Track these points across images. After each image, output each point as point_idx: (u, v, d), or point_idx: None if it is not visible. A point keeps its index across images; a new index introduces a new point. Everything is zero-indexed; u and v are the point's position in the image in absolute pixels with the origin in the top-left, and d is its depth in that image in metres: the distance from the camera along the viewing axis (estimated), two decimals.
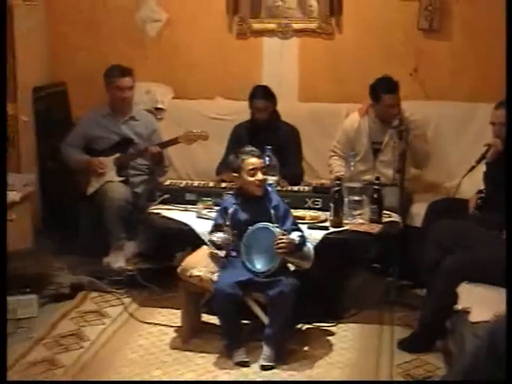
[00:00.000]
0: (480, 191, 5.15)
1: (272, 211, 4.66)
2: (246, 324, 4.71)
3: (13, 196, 5.84)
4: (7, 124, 5.74)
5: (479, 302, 4.04)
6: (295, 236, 4.58)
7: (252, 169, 4.66)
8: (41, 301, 5.28)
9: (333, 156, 6.19)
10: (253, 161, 4.68)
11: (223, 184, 5.49)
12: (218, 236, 4.66)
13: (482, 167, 5.31)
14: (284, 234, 4.51)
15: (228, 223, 4.69)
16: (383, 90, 5.87)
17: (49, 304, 5.34)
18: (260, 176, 4.65)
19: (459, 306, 4.20)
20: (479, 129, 6.07)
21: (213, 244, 4.71)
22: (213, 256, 4.77)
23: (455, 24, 6.65)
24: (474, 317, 3.93)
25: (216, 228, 4.72)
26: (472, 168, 5.27)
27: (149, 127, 6.39)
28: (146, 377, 4.34)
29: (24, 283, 5.15)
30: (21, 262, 5.34)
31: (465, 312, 4.06)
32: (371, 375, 4.42)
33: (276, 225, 4.58)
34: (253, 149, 4.75)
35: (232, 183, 5.04)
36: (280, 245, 4.47)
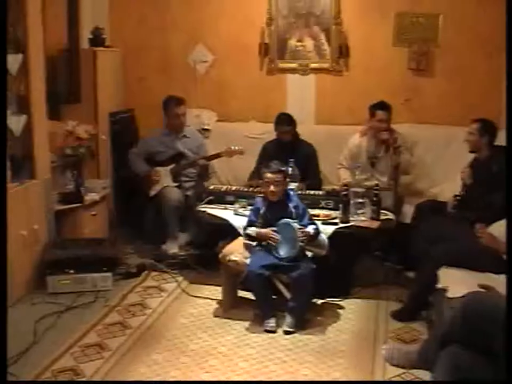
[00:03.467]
0: (456, 195, 5.13)
1: (293, 210, 4.67)
2: (274, 298, 4.71)
3: (94, 196, 5.91)
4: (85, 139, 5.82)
5: (455, 282, 4.04)
6: (310, 228, 4.61)
7: (266, 181, 4.68)
8: (115, 277, 5.34)
9: (340, 168, 6.18)
10: (268, 175, 4.68)
11: (254, 189, 5.49)
12: (252, 230, 4.69)
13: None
14: (301, 228, 4.53)
15: (260, 220, 4.71)
16: (378, 107, 5.89)
17: (121, 280, 5.39)
18: (271, 187, 4.65)
19: (439, 285, 4.20)
20: (459, 148, 6.02)
21: (247, 235, 4.74)
22: (246, 245, 4.78)
23: (437, 65, 6.64)
24: (451, 293, 3.93)
25: (250, 224, 4.75)
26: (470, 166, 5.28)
27: (198, 144, 6.43)
28: (194, 339, 4.37)
29: (102, 264, 5.22)
30: (99, 248, 5.39)
31: (444, 290, 4.06)
32: (371, 338, 4.42)
33: (295, 221, 4.59)
34: (274, 165, 4.72)
35: (260, 188, 5.06)
36: (299, 236, 4.48)
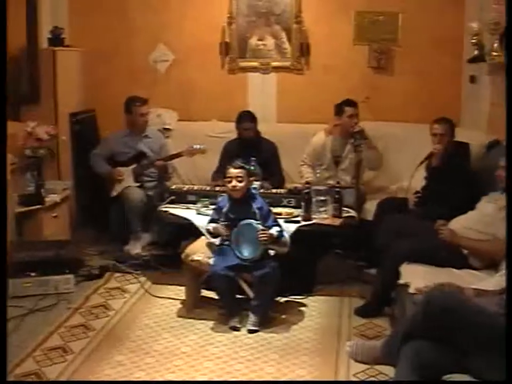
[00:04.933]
0: (416, 192, 5.19)
1: (256, 211, 4.66)
2: (238, 297, 4.71)
3: (54, 198, 5.86)
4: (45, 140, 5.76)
5: (416, 278, 4.06)
6: (274, 230, 4.61)
7: (229, 177, 4.68)
8: (77, 279, 5.29)
9: (303, 165, 6.19)
10: (231, 171, 4.68)
11: (217, 188, 5.49)
12: (213, 226, 4.69)
13: (421, 174, 5.35)
14: (264, 230, 4.54)
15: (222, 219, 4.71)
16: (346, 104, 5.91)
17: (83, 282, 5.34)
18: (233, 183, 4.65)
19: (401, 281, 4.23)
20: (419, 144, 6.07)
21: (209, 232, 4.73)
22: (209, 245, 4.78)
23: (397, 63, 6.72)
24: (412, 289, 3.95)
25: (212, 221, 4.74)
26: (421, 163, 5.31)
27: (159, 143, 6.41)
28: (158, 340, 4.35)
29: (64, 266, 5.17)
30: (61, 250, 5.34)
31: (406, 285, 4.08)
32: (334, 335, 4.44)
33: (258, 222, 4.59)
34: (237, 162, 4.74)
35: (224, 187, 5.06)
36: (262, 237, 4.50)
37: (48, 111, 6.30)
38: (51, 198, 5.82)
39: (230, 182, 4.67)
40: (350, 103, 5.93)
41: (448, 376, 3.03)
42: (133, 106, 6.22)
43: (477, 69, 6.31)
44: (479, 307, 3.16)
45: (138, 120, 6.24)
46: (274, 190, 5.56)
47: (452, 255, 4.32)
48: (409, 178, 5.35)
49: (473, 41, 5.87)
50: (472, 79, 6.45)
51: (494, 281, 3.73)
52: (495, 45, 5.45)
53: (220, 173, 5.48)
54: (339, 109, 5.97)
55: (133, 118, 6.25)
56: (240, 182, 4.66)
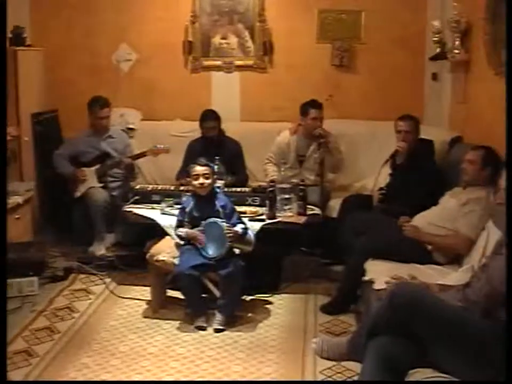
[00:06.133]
0: (381, 188, 5.22)
1: (220, 209, 4.67)
2: (203, 297, 4.70)
3: (17, 199, 5.78)
4: (7, 141, 5.69)
5: (381, 274, 4.09)
6: (238, 228, 4.61)
7: (195, 175, 4.67)
8: (41, 281, 5.23)
9: (268, 163, 6.20)
10: (196, 168, 4.68)
11: (182, 187, 5.48)
12: (181, 230, 4.67)
13: (385, 170, 5.39)
14: (229, 227, 4.54)
15: (186, 219, 4.70)
16: (311, 106, 5.92)
17: (47, 284, 5.29)
18: (200, 180, 4.65)
19: (366, 277, 4.26)
20: (380, 141, 6.14)
21: (178, 236, 4.71)
22: (177, 245, 4.76)
23: (360, 61, 6.77)
24: (377, 285, 3.98)
25: (180, 224, 4.72)
26: (385, 163, 5.34)
27: (123, 143, 6.37)
28: (124, 341, 4.32)
29: (28, 268, 5.12)
30: (24, 252, 5.29)
31: (371, 282, 4.11)
32: (300, 332, 4.46)
33: (223, 220, 4.59)
34: (202, 160, 4.75)
35: (188, 186, 5.04)
36: (227, 235, 4.49)
37: (10, 111, 6.20)
38: (13, 200, 5.74)
39: (197, 179, 4.66)
40: (315, 105, 5.94)
41: (413, 370, 3.05)
42: (94, 108, 6.18)
43: (439, 67, 6.39)
44: (442, 301, 3.19)
45: (99, 122, 6.21)
46: (239, 189, 5.57)
47: (416, 250, 4.36)
48: (375, 176, 5.39)
49: (435, 39, 5.95)
50: (435, 77, 6.53)
51: (458, 276, 3.78)
52: (457, 42, 5.53)
53: (184, 172, 5.46)
54: (303, 110, 5.98)
55: (94, 120, 6.22)
56: (206, 179, 4.66)
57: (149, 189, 5.62)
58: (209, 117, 6.05)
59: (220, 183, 5.27)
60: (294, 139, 6.11)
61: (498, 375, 2.81)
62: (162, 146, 5.97)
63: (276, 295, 5.07)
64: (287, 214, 5.12)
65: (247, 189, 5.61)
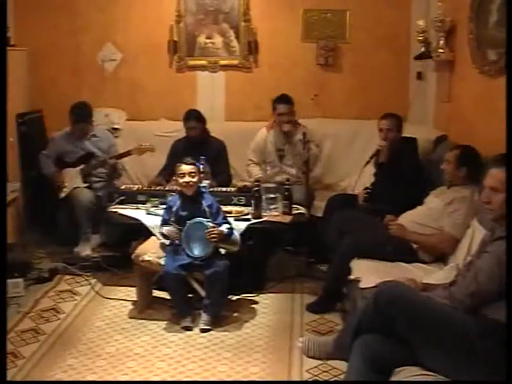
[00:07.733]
0: (366, 188, 5.23)
1: (206, 209, 4.67)
2: (189, 297, 4.70)
3: None
4: None
5: (366, 273, 4.12)
6: (224, 227, 4.61)
7: (181, 173, 4.66)
8: (27, 283, 5.20)
9: (250, 164, 6.22)
10: (183, 167, 4.67)
11: (167, 187, 5.48)
12: (166, 229, 4.65)
13: (369, 170, 5.40)
14: (214, 227, 4.54)
15: (172, 218, 4.69)
16: (278, 101, 5.96)
17: (33, 286, 5.26)
18: (186, 178, 4.65)
19: (352, 276, 4.27)
20: (365, 140, 6.16)
21: (162, 235, 4.70)
22: (160, 244, 4.75)
23: (345, 61, 6.79)
24: (363, 284, 4.00)
25: (164, 222, 4.72)
26: (367, 163, 5.35)
27: (108, 143, 6.33)
28: (110, 342, 4.31)
29: (12, 269, 5.06)
30: (9, 253, 5.24)
31: (357, 280, 4.13)
32: (287, 331, 4.46)
33: (209, 220, 4.59)
34: (188, 159, 4.75)
35: (174, 184, 5.04)
36: (212, 235, 4.50)
37: None
38: None
39: (183, 177, 4.66)
40: (281, 100, 5.96)
41: (400, 369, 3.06)
42: (74, 121, 6.14)
43: (424, 66, 6.42)
44: (427, 299, 3.20)
45: (80, 131, 6.18)
46: (224, 189, 5.57)
47: (401, 249, 4.38)
48: (358, 175, 5.41)
49: (420, 38, 5.97)
50: (419, 76, 6.56)
51: (443, 274, 3.80)
52: (441, 42, 5.56)
53: (167, 171, 5.46)
54: (273, 105, 6.03)
55: (73, 126, 6.19)
56: (193, 177, 4.66)
57: (134, 189, 5.62)
58: (192, 117, 6.03)
59: (205, 182, 5.27)
60: (270, 135, 6.14)
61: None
62: (147, 145, 5.96)
63: (261, 295, 5.07)
64: (273, 214, 5.13)
65: (232, 189, 5.62)
